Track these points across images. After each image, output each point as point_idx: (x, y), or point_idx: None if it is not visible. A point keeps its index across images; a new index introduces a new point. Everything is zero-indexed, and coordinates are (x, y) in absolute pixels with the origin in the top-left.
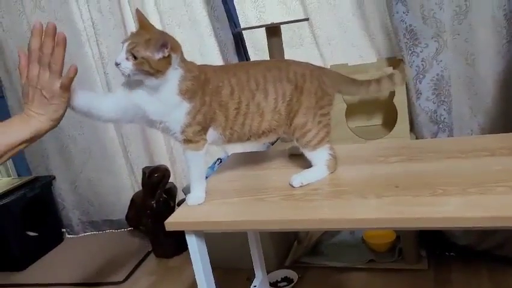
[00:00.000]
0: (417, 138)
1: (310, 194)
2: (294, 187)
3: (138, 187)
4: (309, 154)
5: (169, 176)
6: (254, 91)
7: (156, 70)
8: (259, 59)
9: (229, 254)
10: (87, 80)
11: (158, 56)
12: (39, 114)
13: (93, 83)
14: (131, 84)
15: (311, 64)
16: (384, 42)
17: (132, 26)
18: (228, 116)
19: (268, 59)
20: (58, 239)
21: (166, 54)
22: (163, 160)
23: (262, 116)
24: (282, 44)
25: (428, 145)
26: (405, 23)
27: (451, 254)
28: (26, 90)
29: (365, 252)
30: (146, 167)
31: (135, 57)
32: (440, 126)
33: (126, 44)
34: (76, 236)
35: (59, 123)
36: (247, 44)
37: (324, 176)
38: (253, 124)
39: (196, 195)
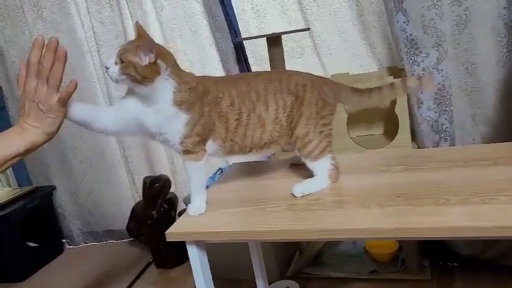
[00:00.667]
0: (418, 148)
1: (312, 204)
2: (295, 197)
3: (139, 197)
4: (310, 164)
5: (170, 186)
6: (255, 102)
7: (143, 76)
8: (260, 70)
9: (230, 264)
10: (88, 90)
11: (145, 61)
12: (35, 127)
13: (94, 93)
14: (130, 96)
15: (312, 75)
16: (385, 51)
17: (133, 37)
18: (228, 127)
19: (269, 69)
20: (58, 249)
21: (152, 60)
22: (164, 170)
23: (263, 127)
24: (283, 53)
25: (430, 154)
26: (406, 33)
27: (454, 264)
28: (22, 103)
29: (367, 263)
30: (147, 176)
31: (122, 62)
32: (442, 135)
33: (117, 50)
34: (76, 246)
35: (53, 136)
36: (248, 54)
37: (325, 185)
38: (254, 135)
39: (196, 205)
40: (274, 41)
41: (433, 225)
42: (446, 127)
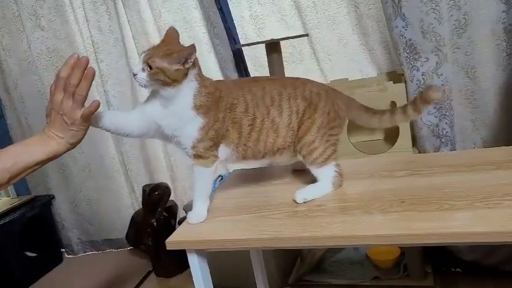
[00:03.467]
0: (419, 153)
1: (314, 211)
2: (297, 203)
3: (138, 205)
4: (315, 171)
5: (169, 194)
6: (269, 107)
7: (173, 79)
8: (264, 76)
9: (232, 272)
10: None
11: (176, 67)
12: (59, 136)
13: (92, 100)
14: (150, 99)
15: (327, 85)
16: (384, 56)
17: (132, 44)
18: (241, 133)
19: (269, 75)
20: (57, 259)
21: (188, 66)
22: (163, 178)
23: (277, 132)
24: (282, 60)
25: (432, 159)
26: (405, 38)
27: (457, 269)
28: (49, 112)
29: (369, 269)
30: (146, 185)
31: (150, 68)
32: (443, 140)
33: (143, 56)
34: (75, 256)
35: (75, 147)
36: (247, 60)
37: (328, 192)
38: (268, 140)
39: (197, 213)
40: (273, 47)
41: (438, 231)
42: (447, 131)
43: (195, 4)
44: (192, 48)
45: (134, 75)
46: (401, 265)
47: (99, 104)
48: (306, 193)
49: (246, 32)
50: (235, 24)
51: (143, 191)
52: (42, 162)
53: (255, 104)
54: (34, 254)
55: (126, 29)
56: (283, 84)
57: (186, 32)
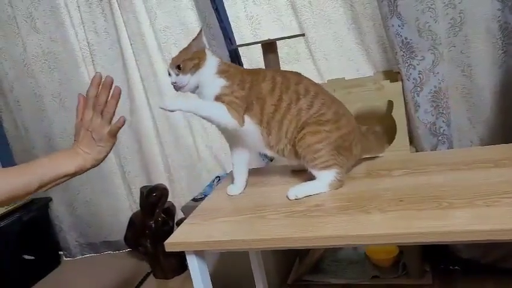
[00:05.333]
0: (417, 151)
1: (312, 211)
2: (289, 199)
3: (136, 207)
4: (315, 173)
5: (167, 195)
6: (301, 96)
7: (198, 58)
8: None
9: (231, 273)
10: None
11: (194, 49)
12: (86, 153)
13: None
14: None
15: (360, 126)
16: (381, 55)
17: (127, 46)
18: (263, 110)
19: None
20: (55, 262)
21: (203, 45)
22: (161, 179)
23: (298, 124)
24: (279, 60)
25: (430, 157)
26: (401, 36)
27: (456, 267)
28: (78, 130)
29: (368, 268)
30: (144, 186)
31: (179, 67)
32: (440, 138)
33: (169, 68)
34: (73, 258)
35: (100, 163)
36: (243, 60)
37: (322, 191)
38: (289, 129)
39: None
40: (269, 47)
41: (438, 230)
42: (444, 130)
43: (190, 5)
44: (199, 31)
45: (174, 83)
46: (400, 264)
47: (125, 120)
48: (298, 190)
49: (242, 33)
50: (231, 25)
51: (141, 192)
52: (70, 175)
53: (284, 87)
54: (32, 258)
55: (122, 30)
56: (324, 91)
57: (182, 33)
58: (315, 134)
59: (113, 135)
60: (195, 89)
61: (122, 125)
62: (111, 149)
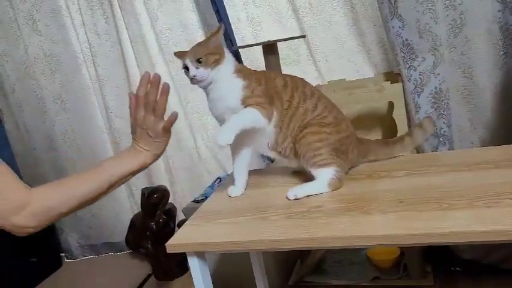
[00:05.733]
0: (417, 152)
1: (312, 212)
2: (289, 199)
3: (137, 209)
4: (314, 171)
5: (168, 197)
6: (308, 97)
7: (219, 54)
8: None
9: (232, 274)
10: (84, 101)
11: (214, 44)
12: (146, 150)
13: (90, 104)
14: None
15: (359, 136)
16: (381, 57)
17: (129, 47)
18: (282, 104)
19: None
20: (57, 263)
21: (220, 36)
22: (162, 181)
23: (302, 123)
24: (279, 61)
25: (431, 159)
26: (402, 38)
27: (457, 268)
28: (134, 128)
29: (369, 269)
30: (145, 187)
31: (199, 61)
32: (441, 139)
33: (187, 61)
34: (75, 260)
35: (160, 157)
36: (244, 62)
37: (322, 191)
38: (295, 127)
39: (224, 134)
40: (270, 49)
41: (438, 231)
42: (445, 131)
43: (191, 6)
44: (219, 26)
45: (194, 77)
46: (401, 265)
47: (177, 115)
48: (297, 190)
49: (242, 34)
50: (232, 26)
51: (142, 194)
52: (134, 173)
53: (294, 85)
54: (33, 259)
55: (123, 32)
56: (325, 97)
57: (183, 34)
58: (316, 134)
59: (168, 130)
60: (208, 85)
61: (175, 120)
62: (167, 143)
